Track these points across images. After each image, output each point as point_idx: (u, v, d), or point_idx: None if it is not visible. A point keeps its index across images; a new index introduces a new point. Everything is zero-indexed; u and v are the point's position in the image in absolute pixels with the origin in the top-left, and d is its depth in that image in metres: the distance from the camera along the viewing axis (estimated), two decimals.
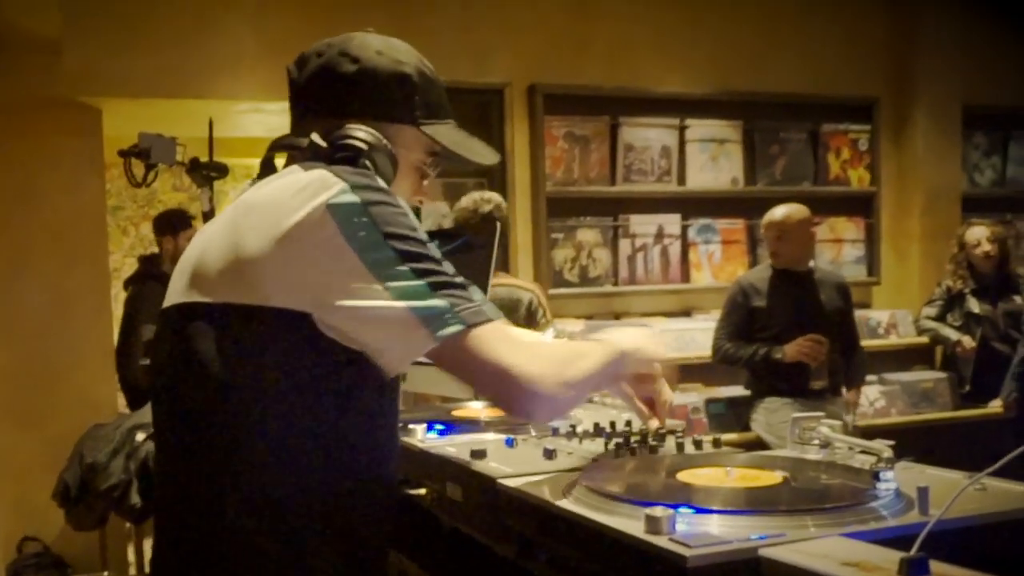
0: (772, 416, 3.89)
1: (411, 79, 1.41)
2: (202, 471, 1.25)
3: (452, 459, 1.58)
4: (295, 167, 1.31)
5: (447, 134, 1.45)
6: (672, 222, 5.07)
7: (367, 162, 1.34)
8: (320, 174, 1.24)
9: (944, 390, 5.21)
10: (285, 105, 1.49)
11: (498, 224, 2.27)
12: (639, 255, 4.99)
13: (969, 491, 1.22)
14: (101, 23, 4.17)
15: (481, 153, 1.51)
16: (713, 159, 5.17)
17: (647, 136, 5.02)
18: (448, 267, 1.24)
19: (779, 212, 4.01)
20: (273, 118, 4.63)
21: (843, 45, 5.45)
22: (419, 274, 1.19)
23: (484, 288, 2.45)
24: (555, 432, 1.77)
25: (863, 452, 1.38)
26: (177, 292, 1.30)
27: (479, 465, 1.51)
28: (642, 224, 5.00)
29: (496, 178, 4.66)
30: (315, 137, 1.36)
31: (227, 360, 1.22)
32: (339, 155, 1.33)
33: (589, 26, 4.94)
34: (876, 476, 1.21)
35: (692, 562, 0.98)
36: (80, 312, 4.38)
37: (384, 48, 1.41)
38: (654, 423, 1.63)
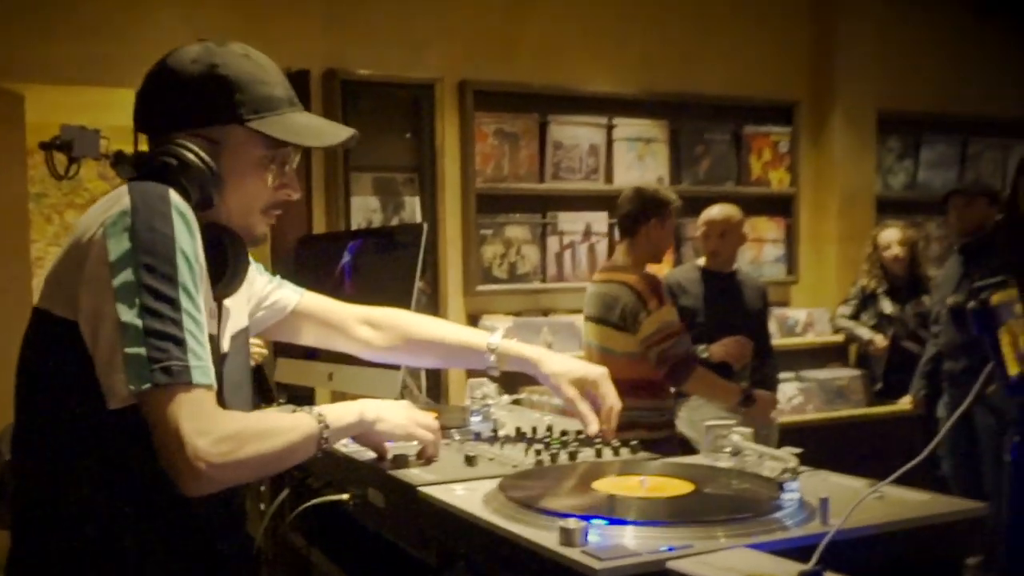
0: (695, 414, 3.95)
1: (228, 79, 1.40)
2: (19, 477, 1.36)
3: (374, 465, 1.60)
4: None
5: (281, 124, 1.42)
6: (600, 220, 5.13)
7: (182, 180, 1.34)
8: (117, 192, 1.29)
9: (858, 387, 5.36)
10: None
11: (424, 225, 2.28)
12: (567, 252, 5.04)
13: (869, 499, 1.28)
14: (25, 7, 4.04)
15: (326, 134, 1.50)
16: (640, 158, 5.24)
17: (575, 134, 5.07)
18: (185, 316, 1.23)
19: (720, 211, 4.05)
20: None
21: (767, 49, 5.57)
22: (144, 312, 1.20)
23: (410, 286, 2.47)
24: (477, 437, 1.80)
25: (772, 459, 1.43)
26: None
27: (400, 472, 1.53)
28: (570, 221, 5.05)
29: (426, 174, 4.67)
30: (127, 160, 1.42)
31: (25, 364, 1.35)
32: (146, 172, 1.36)
33: (520, 24, 4.97)
34: (781, 486, 1.26)
35: (602, 575, 1.02)
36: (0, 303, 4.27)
37: (200, 55, 1.41)
38: (594, 427, 1.64)
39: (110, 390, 1.22)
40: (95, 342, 1.23)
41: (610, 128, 5.16)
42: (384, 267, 2.58)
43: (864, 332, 5.12)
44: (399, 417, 1.56)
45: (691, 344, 3.57)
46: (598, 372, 1.70)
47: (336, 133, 1.51)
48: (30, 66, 4.05)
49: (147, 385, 1.19)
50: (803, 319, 5.56)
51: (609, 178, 5.16)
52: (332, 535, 1.82)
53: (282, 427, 1.36)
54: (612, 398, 1.67)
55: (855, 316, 5.22)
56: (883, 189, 5.96)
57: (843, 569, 1.02)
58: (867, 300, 5.17)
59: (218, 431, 1.23)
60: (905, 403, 4.86)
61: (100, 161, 2.84)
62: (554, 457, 1.59)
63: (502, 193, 4.89)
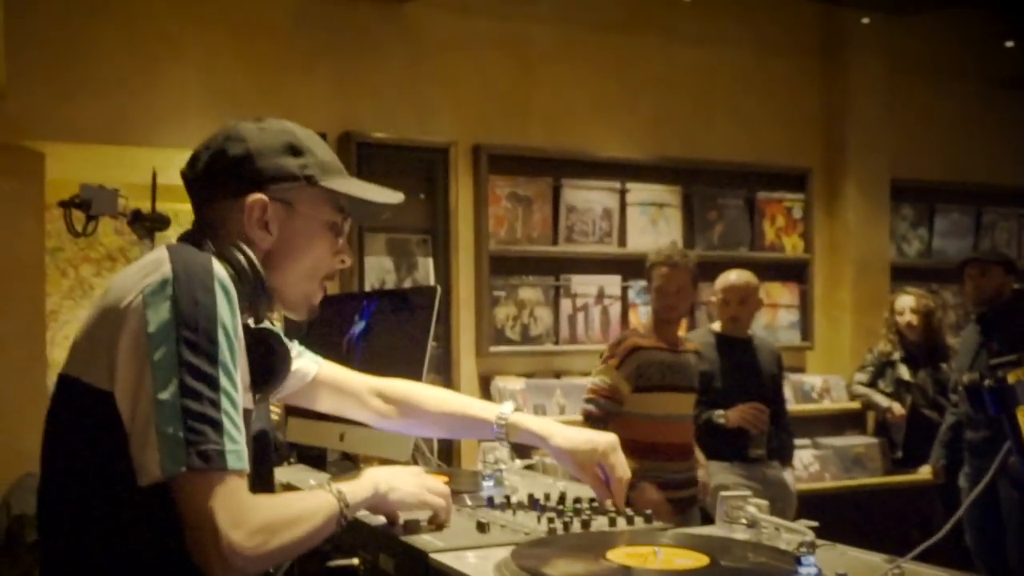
0: (712, 480, 3.91)
1: (298, 144, 1.42)
2: (45, 540, 1.34)
3: (384, 530, 1.58)
4: (160, 246, 1.34)
5: (346, 184, 1.46)
6: (613, 283, 5.14)
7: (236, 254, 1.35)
8: (156, 258, 1.26)
9: (876, 455, 5.31)
10: None
11: (438, 288, 2.28)
12: (580, 314, 5.04)
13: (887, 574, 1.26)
14: (46, 68, 4.14)
15: (384, 194, 1.52)
16: (653, 222, 5.27)
17: (588, 198, 5.10)
18: (223, 396, 1.20)
19: (739, 276, 4.03)
20: None
21: (778, 116, 5.64)
22: (182, 390, 1.17)
23: (423, 347, 2.46)
24: (489, 502, 1.78)
25: (788, 532, 1.41)
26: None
27: (411, 538, 1.51)
28: (583, 284, 5.07)
29: (439, 235, 4.70)
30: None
31: (53, 432, 1.30)
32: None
33: (532, 89, 5.04)
34: (798, 560, 1.24)
35: None
36: (14, 356, 4.27)
37: (265, 125, 1.43)
38: (607, 501, 1.63)
39: (142, 467, 1.18)
40: (131, 416, 1.19)
41: (623, 192, 5.20)
42: (398, 329, 2.57)
43: (882, 399, 5.08)
44: (410, 485, 1.53)
45: (608, 409, 3.44)
46: (605, 442, 1.68)
47: (391, 194, 1.53)
48: (50, 125, 4.13)
49: (182, 468, 1.15)
50: (819, 385, 5.53)
51: (623, 242, 5.18)
52: None
53: (308, 511, 1.32)
54: (620, 469, 1.66)
55: (872, 383, 5.18)
56: (897, 256, 5.97)
57: None
58: (884, 367, 5.13)
59: (251, 523, 1.20)
60: (925, 472, 4.80)
61: (117, 219, 2.87)
62: (567, 525, 1.57)
63: (515, 255, 4.92)
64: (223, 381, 1.20)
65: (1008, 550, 4.11)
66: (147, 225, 2.89)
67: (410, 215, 4.65)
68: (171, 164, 4.66)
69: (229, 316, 1.23)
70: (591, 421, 3.38)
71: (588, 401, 3.48)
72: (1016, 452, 1.15)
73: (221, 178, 1.39)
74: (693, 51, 5.42)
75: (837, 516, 4.24)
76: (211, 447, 1.17)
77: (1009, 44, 5.86)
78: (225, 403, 1.20)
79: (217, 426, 1.18)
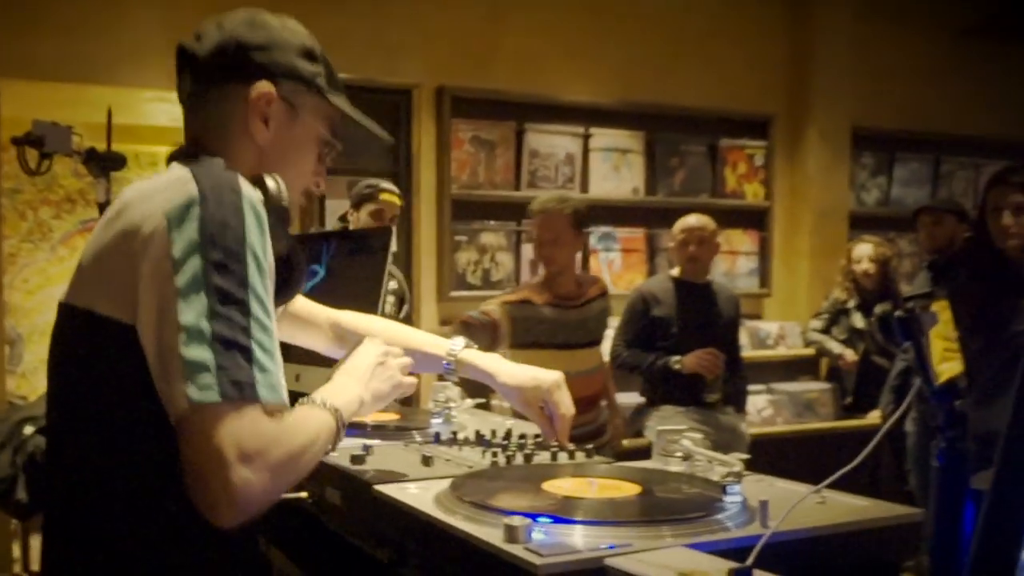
0: (665, 424, 3.96)
1: (315, 50, 1.39)
2: (78, 473, 1.24)
3: (332, 464, 1.61)
4: (174, 165, 1.27)
5: (348, 106, 1.42)
6: None
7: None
8: (180, 176, 1.18)
9: (828, 400, 5.42)
10: None
11: (393, 228, 2.30)
12: None
13: (810, 504, 1.31)
14: (2, 3, 4.05)
15: (378, 129, 1.50)
16: (615, 168, 5.29)
17: (552, 143, 5.10)
18: (253, 323, 1.12)
19: (697, 219, 4.05)
20: (178, 108, 4.52)
21: (743, 64, 5.64)
22: (210, 316, 1.09)
23: (379, 288, 2.48)
24: (436, 439, 1.82)
25: (720, 464, 1.46)
26: (66, 291, 1.28)
27: (357, 470, 1.54)
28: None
29: (402, 178, 4.69)
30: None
31: (64, 367, 1.24)
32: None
33: (498, 33, 5.01)
34: (724, 489, 1.29)
35: (542, 570, 1.05)
36: None
37: (286, 21, 1.39)
38: (550, 436, 1.66)
39: (169, 401, 1.10)
40: (156, 347, 1.11)
41: (587, 138, 5.20)
42: (353, 270, 2.59)
43: (835, 346, 5.16)
44: (386, 383, 1.47)
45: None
46: (551, 380, 1.71)
47: (384, 132, 1.51)
48: (6, 61, 4.04)
49: (212, 398, 1.07)
50: (775, 332, 5.61)
51: (585, 187, 5.20)
52: (291, 534, 1.83)
53: (312, 435, 1.22)
54: (564, 406, 1.68)
55: (827, 330, 5.25)
56: (856, 205, 6.04)
57: (782, 570, 1.04)
58: (839, 314, 5.21)
59: (267, 459, 1.10)
60: (874, 417, 4.91)
61: (73, 158, 2.84)
62: (509, 459, 1.61)
63: (477, 200, 4.92)
64: (254, 306, 1.12)
65: (908, 474, 4.25)
66: (103, 165, 2.86)
67: (372, 158, 4.63)
68: (132, 103, 4.63)
69: (259, 238, 1.16)
70: (464, 327, 3.29)
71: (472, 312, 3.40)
72: (921, 374, 1.20)
73: (233, 60, 1.32)
74: None
75: (789, 460, 4.35)
76: (243, 376, 1.09)
77: None
78: (256, 329, 1.12)
79: (247, 353, 1.10)
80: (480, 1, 4.97)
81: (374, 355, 1.48)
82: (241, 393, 1.08)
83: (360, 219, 3.36)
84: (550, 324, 3.43)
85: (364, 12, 4.67)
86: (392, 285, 3.37)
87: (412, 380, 1.54)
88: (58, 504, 1.27)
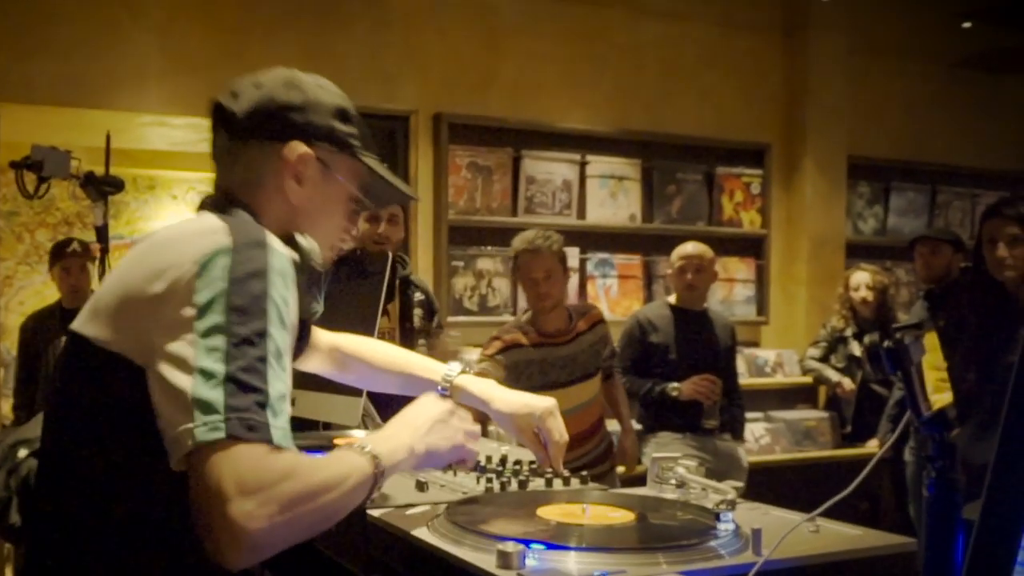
0: (662, 451, 3.95)
1: (349, 111, 1.41)
2: (66, 500, 1.24)
3: None
4: (205, 213, 1.28)
5: (380, 167, 1.45)
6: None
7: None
8: (213, 224, 1.19)
9: (826, 429, 5.40)
10: (189, 120, 1.50)
11: (390, 255, 2.31)
12: None
13: (804, 532, 1.31)
14: (2, 28, 4.08)
15: (407, 188, 1.53)
16: (612, 195, 5.30)
17: (549, 169, 5.12)
18: (269, 370, 1.10)
19: (695, 247, 4.05)
20: (176, 132, 4.58)
21: (739, 93, 5.68)
22: (227, 360, 1.07)
23: (375, 312, 2.49)
24: None
25: (714, 492, 1.45)
26: (77, 319, 1.27)
27: None
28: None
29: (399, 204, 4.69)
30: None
31: (85, 400, 1.21)
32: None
33: (495, 60, 5.04)
34: (717, 517, 1.29)
35: None
36: None
37: (322, 82, 1.41)
38: (545, 463, 1.67)
39: (175, 442, 1.07)
40: (164, 389, 1.09)
41: (583, 164, 5.22)
42: (351, 294, 2.60)
43: (833, 374, 5.15)
44: (446, 442, 1.39)
45: None
46: (543, 407, 1.71)
47: (412, 191, 1.56)
48: (5, 86, 4.07)
49: (218, 436, 1.04)
50: (772, 359, 5.61)
51: (582, 214, 5.21)
52: (283, 559, 1.82)
53: (337, 476, 1.15)
54: (557, 433, 1.69)
55: (824, 358, 5.24)
56: (853, 233, 6.05)
57: None
58: (836, 342, 5.20)
59: (273, 494, 1.05)
60: (873, 446, 4.89)
61: (70, 181, 2.85)
62: (504, 485, 1.61)
63: (474, 225, 4.93)
64: (271, 356, 1.10)
65: (907, 505, 4.23)
66: (100, 188, 2.88)
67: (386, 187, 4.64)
68: (129, 127, 4.64)
69: (283, 293, 1.15)
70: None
71: None
72: (909, 404, 1.21)
73: (269, 120, 1.34)
74: (658, 25, 5.44)
75: (787, 488, 4.32)
76: (255, 419, 1.06)
77: (966, 25, 5.93)
78: (272, 378, 1.10)
79: (262, 397, 1.08)
80: (477, 29, 5.01)
81: (437, 410, 1.40)
82: (251, 433, 1.05)
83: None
84: (539, 364, 3.39)
85: (362, 39, 4.71)
86: (418, 296, 3.38)
87: (475, 449, 1.45)
88: (42, 529, 1.27)
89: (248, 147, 1.34)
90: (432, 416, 1.38)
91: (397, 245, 3.26)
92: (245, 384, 1.07)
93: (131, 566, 1.19)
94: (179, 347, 1.09)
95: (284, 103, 1.34)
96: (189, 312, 1.10)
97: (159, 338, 1.11)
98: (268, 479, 1.05)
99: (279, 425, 1.08)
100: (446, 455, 1.39)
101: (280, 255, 1.18)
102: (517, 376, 3.32)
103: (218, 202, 1.33)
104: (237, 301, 1.10)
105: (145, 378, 1.12)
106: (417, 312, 3.33)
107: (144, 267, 1.17)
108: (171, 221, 1.42)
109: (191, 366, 1.07)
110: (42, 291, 6.16)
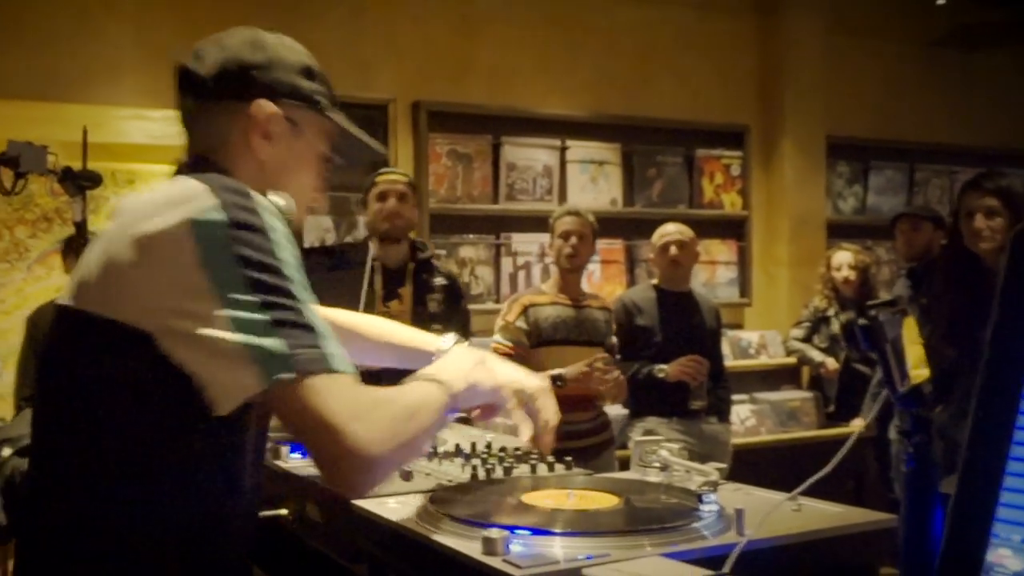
0: (646, 435, 3.97)
1: (314, 68, 1.42)
2: (57, 487, 1.22)
3: (311, 479, 1.61)
4: (181, 177, 1.25)
5: (347, 122, 1.45)
6: None
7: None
8: (194, 186, 1.17)
9: (810, 409, 5.44)
10: (167, 112, 1.49)
11: (371, 244, 2.31)
12: (521, 272, 5.07)
13: (786, 511, 1.32)
14: None
15: (375, 144, 1.54)
16: (593, 180, 5.31)
17: (529, 156, 5.12)
18: (306, 308, 1.14)
19: (675, 227, 4.08)
20: (154, 125, 4.54)
21: (716, 75, 5.69)
22: (265, 307, 1.10)
23: (356, 302, 2.48)
24: None
25: (698, 474, 1.46)
26: (66, 293, 1.26)
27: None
28: (524, 242, 5.10)
29: None
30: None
31: (75, 373, 1.20)
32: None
33: (472, 47, 5.03)
34: (700, 498, 1.29)
35: None
36: None
37: (285, 40, 1.42)
38: (525, 436, 1.65)
39: (225, 391, 1.10)
40: (195, 348, 1.11)
41: (563, 150, 5.22)
42: (332, 284, 2.60)
43: (816, 354, 5.16)
44: (491, 381, 1.43)
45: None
46: (535, 386, 1.70)
47: (380, 146, 1.53)
48: None
49: (289, 374, 1.08)
50: (756, 341, 5.63)
51: (563, 199, 5.21)
52: (272, 551, 1.83)
53: (422, 402, 1.23)
54: (548, 412, 1.67)
55: (807, 338, 5.24)
56: (833, 213, 6.07)
57: None
58: (819, 322, 5.21)
59: (379, 417, 1.12)
60: (856, 425, 4.90)
61: (48, 177, 2.83)
62: (489, 472, 1.61)
63: (456, 213, 4.93)
64: (298, 291, 1.14)
65: (892, 482, 4.26)
66: (78, 183, 2.85)
67: (349, 173, 4.62)
68: (106, 120, 4.61)
69: (284, 236, 1.18)
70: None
71: None
72: (885, 381, 1.22)
73: (234, 80, 1.34)
74: (633, 9, 5.44)
75: (773, 469, 4.36)
76: (313, 351, 1.10)
77: (941, 2, 5.94)
78: (307, 312, 1.13)
79: (312, 330, 1.12)
80: (453, 16, 5.00)
81: (477, 353, 1.46)
82: (316, 366, 1.10)
83: (370, 206, 3.38)
84: (558, 322, 3.59)
85: (338, 27, 4.68)
86: (439, 281, 3.40)
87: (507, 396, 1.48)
88: (44, 519, 1.24)
89: (215, 108, 1.35)
90: (474, 357, 1.43)
91: (410, 224, 3.36)
92: (291, 322, 1.11)
93: (139, 549, 1.19)
94: (200, 308, 1.10)
95: (248, 62, 1.34)
96: (199, 273, 1.10)
97: (168, 301, 1.11)
98: (367, 403, 1.12)
99: (339, 353, 1.13)
100: (487, 393, 1.42)
101: (264, 204, 1.19)
102: (535, 331, 3.54)
103: (192, 166, 1.33)
104: (246, 252, 1.12)
105: (154, 343, 1.12)
106: (436, 297, 3.37)
107: (131, 234, 1.15)
108: None
109: (226, 322, 1.09)
110: (23, 289, 6.11)
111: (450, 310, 3.40)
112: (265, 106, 1.33)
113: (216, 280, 1.10)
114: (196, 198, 1.15)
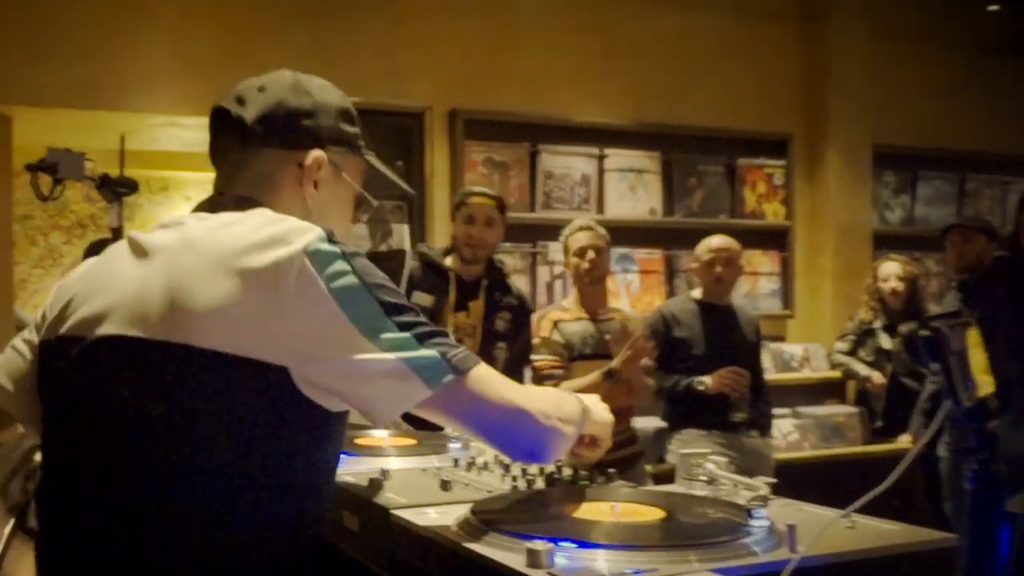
0: (688, 448, 3.89)
1: (351, 112, 1.44)
2: (116, 510, 1.20)
3: (349, 488, 1.58)
4: (261, 209, 1.29)
5: (380, 164, 1.49)
6: None
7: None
8: (291, 220, 1.22)
9: (856, 424, 5.31)
10: (202, 120, 1.48)
11: (407, 252, 2.29)
12: (557, 282, 5.03)
13: (840, 528, 1.26)
14: (14, 31, 4.09)
15: (404, 182, 1.59)
16: (632, 189, 5.25)
17: (567, 164, 5.08)
18: (425, 319, 1.24)
19: (722, 240, 4.02)
20: (189, 133, 4.58)
21: (758, 82, 5.61)
22: (403, 327, 1.19)
23: None
24: (455, 464, 1.78)
25: (746, 488, 1.41)
26: (92, 322, 1.23)
27: (375, 495, 1.51)
28: (561, 251, 5.04)
29: (416, 202, 4.67)
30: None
31: (167, 404, 1.16)
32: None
33: (509, 55, 5.00)
34: (750, 513, 1.24)
35: None
36: None
37: (325, 85, 1.44)
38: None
39: (392, 403, 1.19)
40: (347, 376, 1.17)
41: (601, 158, 5.18)
42: None
43: (862, 368, 5.06)
44: (606, 415, 1.55)
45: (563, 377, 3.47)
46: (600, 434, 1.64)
47: (405, 185, 1.59)
48: (18, 89, 4.08)
49: (451, 376, 1.19)
50: (799, 354, 5.53)
51: (601, 208, 5.16)
52: (308, 560, 1.79)
53: (565, 396, 1.41)
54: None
55: (853, 352, 5.14)
56: (879, 224, 5.96)
57: None
58: (865, 335, 5.10)
59: (539, 398, 1.30)
60: (904, 441, 4.79)
61: (85, 183, 2.85)
62: (530, 483, 1.57)
63: None
64: (416, 310, 1.23)
65: (942, 500, 4.15)
66: (115, 190, 2.87)
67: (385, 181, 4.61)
68: (142, 128, 4.64)
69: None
70: (542, 381, 3.42)
71: (543, 380, 3.43)
72: (949, 394, 1.15)
73: (282, 126, 1.37)
74: (673, 16, 5.39)
75: (816, 486, 4.23)
76: (459, 351, 1.22)
77: (993, 8, 5.83)
78: (429, 322, 1.23)
79: (444, 335, 1.22)
80: (490, 24, 4.98)
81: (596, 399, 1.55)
82: (473, 361, 1.23)
83: (457, 224, 3.40)
84: (584, 336, 3.58)
85: (375, 36, 4.68)
86: (509, 300, 3.39)
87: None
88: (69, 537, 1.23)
89: (262, 154, 1.36)
90: (595, 402, 1.53)
91: (492, 249, 3.40)
92: (431, 333, 1.20)
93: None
94: (339, 336, 1.16)
95: (295, 109, 1.37)
96: (333, 302, 1.16)
97: (311, 332, 1.15)
98: (525, 388, 1.30)
99: (469, 354, 1.24)
100: (608, 426, 1.55)
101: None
102: (570, 348, 3.55)
103: (239, 203, 1.32)
104: (366, 278, 1.19)
105: (288, 375, 1.15)
106: (505, 316, 3.37)
107: (236, 268, 1.16)
108: None
109: (370, 344, 1.16)
110: None
111: (516, 330, 3.38)
112: (317, 155, 1.37)
113: (349, 309, 1.16)
114: (303, 230, 1.19)
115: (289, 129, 1.36)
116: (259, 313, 1.15)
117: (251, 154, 1.36)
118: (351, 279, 1.18)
